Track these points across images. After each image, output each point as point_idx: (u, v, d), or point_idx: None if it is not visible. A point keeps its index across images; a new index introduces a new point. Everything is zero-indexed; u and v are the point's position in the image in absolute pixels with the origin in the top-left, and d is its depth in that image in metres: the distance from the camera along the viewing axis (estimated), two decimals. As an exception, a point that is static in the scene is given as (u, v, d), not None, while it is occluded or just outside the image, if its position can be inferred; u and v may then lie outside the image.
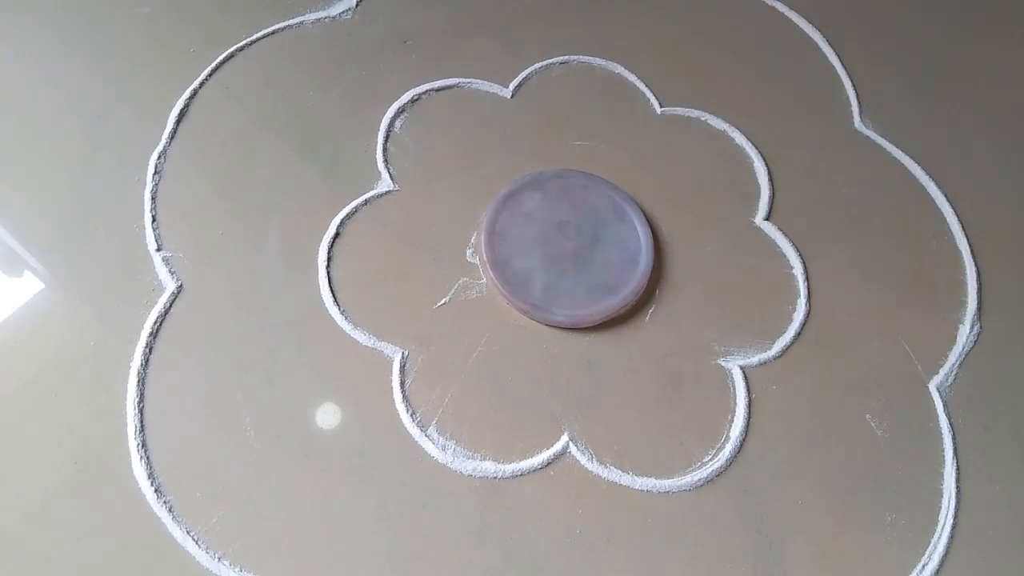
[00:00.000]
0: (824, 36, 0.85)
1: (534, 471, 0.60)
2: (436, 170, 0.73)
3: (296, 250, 0.68)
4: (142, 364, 0.61)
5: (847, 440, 0.63)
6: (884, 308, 0.69)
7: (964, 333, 0.68)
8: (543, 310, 0.65)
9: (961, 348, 0.67)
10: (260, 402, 0.61)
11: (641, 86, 0.80)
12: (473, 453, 0.60)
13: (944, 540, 0.59)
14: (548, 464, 0.60)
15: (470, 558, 0.56)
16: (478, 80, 0.79)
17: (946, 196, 0.75)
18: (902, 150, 0.77)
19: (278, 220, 0.69)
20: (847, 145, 0.78)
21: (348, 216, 0.70)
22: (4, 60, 0.76)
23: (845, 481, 0.61)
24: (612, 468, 0.60)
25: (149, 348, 0.62)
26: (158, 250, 0.67)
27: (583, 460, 0.60)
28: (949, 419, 0.64)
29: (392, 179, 0.72)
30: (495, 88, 0.78)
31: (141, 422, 0.59)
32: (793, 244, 0.71)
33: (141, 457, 0.58)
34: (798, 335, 0.67)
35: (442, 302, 0.66)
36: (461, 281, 0.67)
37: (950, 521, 0.59)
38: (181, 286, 0.65)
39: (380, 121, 0.75)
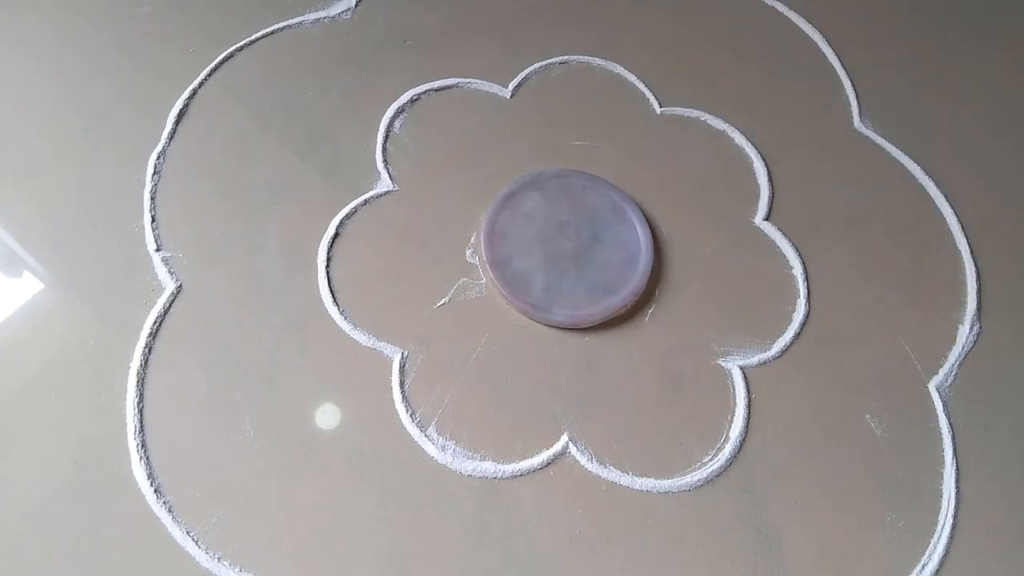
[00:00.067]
0: (824, 36, 0.85)
1: (534, 471, 0.60)
2: (436, 170, 0.73)
3: (296, 250, 0.68)
4: (142, 364, 0.61)
5: (847, 440, 0.63)
6: (884, 308, 0.69)
7: (964, 333, 0.68)
8: (543, 310, 0.65)
9: (961, 348, 0.67)
10: (260, 402, 0.61)
11: (641, 86, 0.80)
12: (473, 453, 0.60)
13: (944, 540, 0.59)
14: (548, 464, 0.60)
15: (470, 558, 0.56)
16: (478, 80, 0.79)
17: (946, 196, 0.75)
18: (902, 150, 0.77)
19: (278, 220, 0.69)
20: (847, 145, 0.78)
21: (348, 216, 0.70)
22: (4, 60, 0.76)
23: (845, 481, 0.61)
24: (612, 468, 0.60)
25: (149, 348, 0.62)
26: (158, 250, 0.67)
27: (583, 460, 0.60)
28: (949, 419, 0.64)
29: (392, 179, 0.72)
30: (495, 88, 0.78)
31: (141, 422, 0.59)
32: (793, 244, 0.71)
33: (141, 457, 0.58)
34: (798, 335, 0.67)
35: (442, 302, 0.66)
36: (461, 281, 0.67)
37: (950, 521, 0.59)
38: (181, 286, 0.65)
39: (380, 121, 0.75)
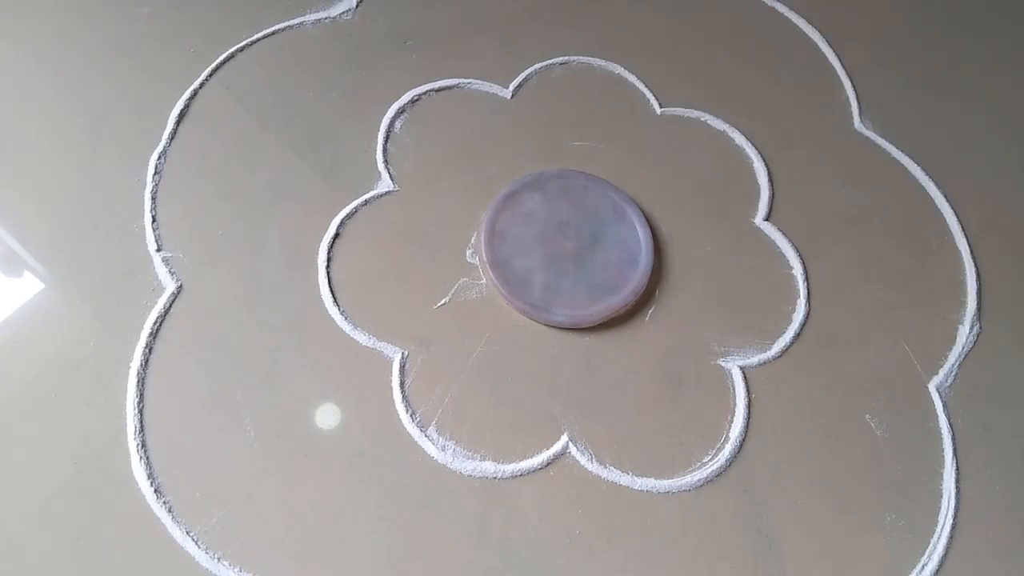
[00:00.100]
0: (824, 36, 0.85)
1: (534, 471, 0.60)
2: (436, 170, 0.73)
3: (296, 250, 0.68)
4: (142, 364, 0.61)
5: (847, 440, 0.63)
6: (884, 308, 0.69)
7: (964, 333, 0.68)
8: (543, 310, 0.65)
9: (961, 348, 0.67)
10: (260, 402, 0.61)
11: (641, 86, 0.80)
12: (473, 453, 0.60)
13: (944, 540, 0.59)
14: (548, 464, 0.60)
15: (470, 558, 0.56)
16: (478, 80, 0.79)
17: (946, 196, 0.75)
18: (902, 150, 0.77)
19: (278, 220, 0.69)
20: (847, 145, 0.78)
21: (348, 216, 0.70)
22: (4, 60, 0.76)
23: (845, 481, 0.61)
24: (612, 468, 0.60)
25: (149, 348, 0.62)
26: (158, 250, 0.67)
27: (583, 460, 0.60)
28: (949, 419, 0.64)
29: (392, 179, 0.72)
30: (495, 88, 0.79)
31: (141, 422, 0.59)
32: (793, 244, 0.71)
33: (141, 457, 0.58)
34: (798, 335, 0.67)
35: (442, 302, 0.66)
36: (461, 281, 0.67)
37: (950, 521, 0.59)
38: (181, 286, 0.65)
39: (380, 121, 0.75)
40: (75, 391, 0.60)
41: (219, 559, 0.55)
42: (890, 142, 0.78)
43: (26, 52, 0.77)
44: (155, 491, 0.57)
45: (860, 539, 0.59)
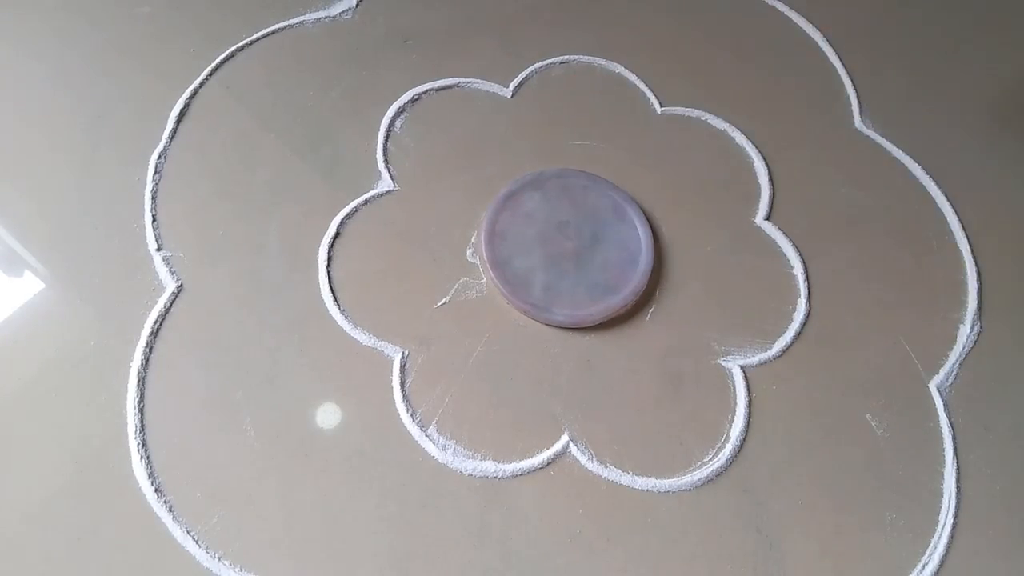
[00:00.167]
0: (824, 36, 0.85)
1: (534, 471, 0.60)
2: (436, 170, 0.73)
3: (296, 250, 0.68)
4: (142, 364, 0.61)
5: (847, 440, 0.63)
6: (884, 308, 0.69)
7: (964, 333, 0.68)
8: (543, 310, 0.65)
9: (961, 348, 0.67)
10: (260, 402, 0.61)
11: (641, 86, 0.80)
12: (473, 453, 0.60)
13: (944, 540, 0.59)
14: (548, 464, 0.60)
15: (470, 558, 0.56)
16: (478, 80, 0.79)
17: (946, 196, 0.75)
18: (902, 150, 0.77)
19: (278, 220, 0.69)
20: (847, 145, 0.78)
21: (348, 216, 0.70)
22: (4, 60, 0.76)
23: (845, 481, 0.61)
24: (612, 468, 0.60)
25: (149, 348, 0.62)
26: (158, 250, 0.67)
27: (583, 460, 0.60)
28: (949, 419, 0.64)
29: (392, 179, 0.72)
30: (495, 88, 0.78)
31: (141, 422, 0.59)
32: (793, 244, 0.71)
33: (141, 457, 0.58)
34: (798, 335, 0.67)
35: (442, 302, 0.66)
36: (461, 281, 0.67)
37: (950, 521, 0.59)
38: (181, 286, 0.65)
39: (380, 121, 0.75)
40: (75, 391, 0.60)
41: (219, 558, 0.55)
42: (891, 141, 0.78)
43: (26, 52, 0.77)
44: (156, 491, 0.57)
45: (860, 539, 0.59)
